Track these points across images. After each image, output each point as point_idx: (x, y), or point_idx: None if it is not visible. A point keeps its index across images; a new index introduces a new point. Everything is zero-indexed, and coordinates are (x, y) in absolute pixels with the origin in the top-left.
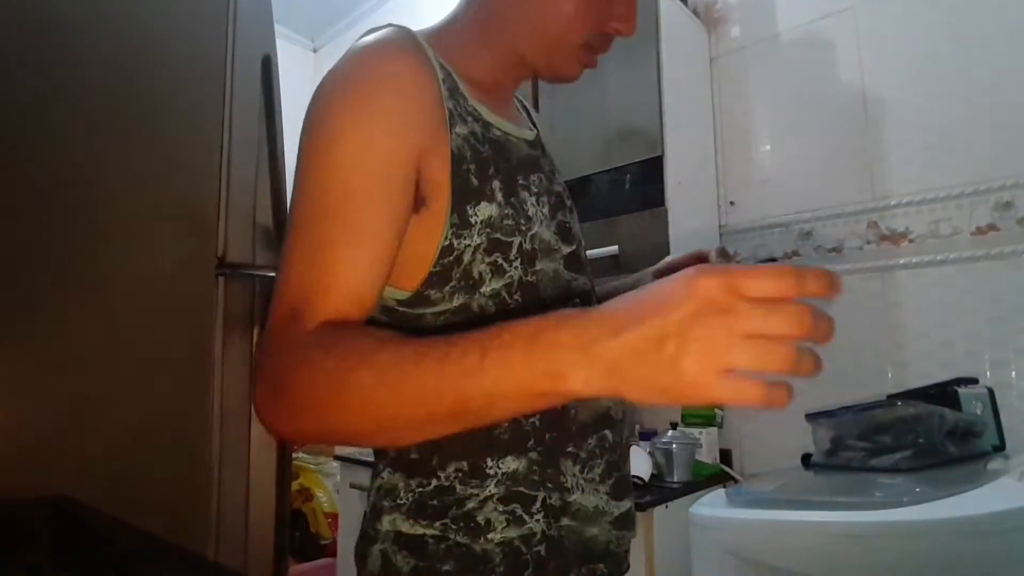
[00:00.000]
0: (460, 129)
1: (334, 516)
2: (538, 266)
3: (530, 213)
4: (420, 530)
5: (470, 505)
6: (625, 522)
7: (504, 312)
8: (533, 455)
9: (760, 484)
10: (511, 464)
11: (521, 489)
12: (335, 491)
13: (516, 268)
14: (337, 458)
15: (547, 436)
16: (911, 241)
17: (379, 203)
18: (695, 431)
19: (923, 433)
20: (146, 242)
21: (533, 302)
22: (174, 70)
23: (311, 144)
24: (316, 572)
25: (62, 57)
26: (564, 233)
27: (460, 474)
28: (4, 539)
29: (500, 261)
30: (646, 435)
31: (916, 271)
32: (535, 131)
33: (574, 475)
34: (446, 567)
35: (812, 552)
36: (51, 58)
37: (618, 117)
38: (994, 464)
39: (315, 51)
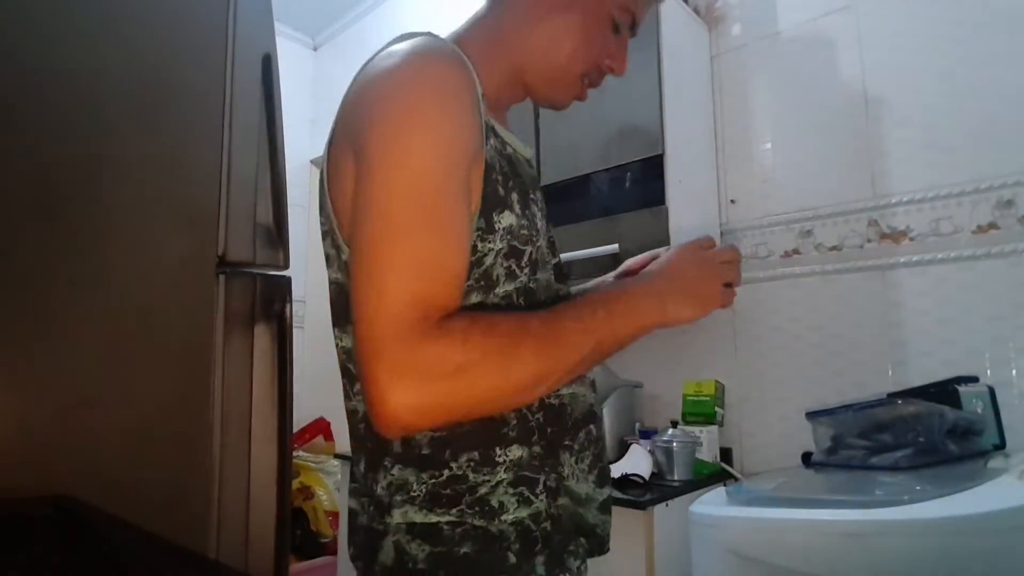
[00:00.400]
0: (491, 140)
1: (335, 514)
2: (539, 275)
3: (538, 226)
4: (435, 518)
5: (483, 491)
6: (607, 507)
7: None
8: (536, 448)
9: (760, 482)
10: (516, 452)
11: (526, 473)
12: (336, 489)
13: (525, 274)
14: (337, 456)
15: (548, 430)
16: (912, 239)
17: (462, 201)
18: (695, 430)
19: (923, 431)
20: (147, 241)
21: (532, 306)
22: (174, 68)
23: (390, 143)
24: (317, 570)
25: (62, 57)
26: (552, 246)
27: (472, 463)
28: (5, 537)
29: (514, 267)
30: (647, 433)
31: (917, 269)
32: (532, 150)
33: (570, 465)
34: (464, 550)
35: (812, 550)
36: (51, 57)
37: (618, 115)
38: (994, 462)
39: (315, 49)
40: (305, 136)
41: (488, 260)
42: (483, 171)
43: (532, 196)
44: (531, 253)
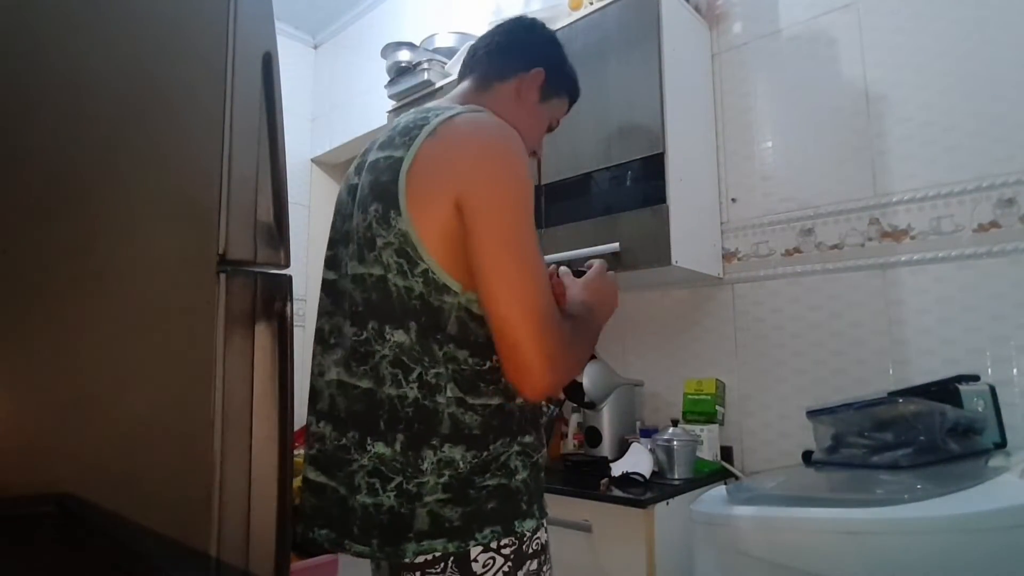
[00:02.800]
0: None
1: None
2: None
3: None
4: (468, 488)
5: (503, 459)
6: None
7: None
8: (535, 433)
9: (761, 481)
10: (527, 439)
11: (528, 450)
12: None
13: None
14: None
15: (541, 422)
16: (913, 238)
17: None
18: (696, 428)
19: (924, 430)
20: (147, 239)
21: None
22: (174, 67)
23: (521, 189)
24: (318, 568)
25: (61, 56)
26: None
27: (503, 444)
28: (6, 536)
29: None
30: (647, 432)
31: (918, 268)
32: None
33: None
34: (491, 505)
35: (813, 549)
36: (50, 57)
37: (619, 114)
38: (995, 461)
39: (316, 48)
40: (306, 134)
41: None
42: None
43: None
44: None
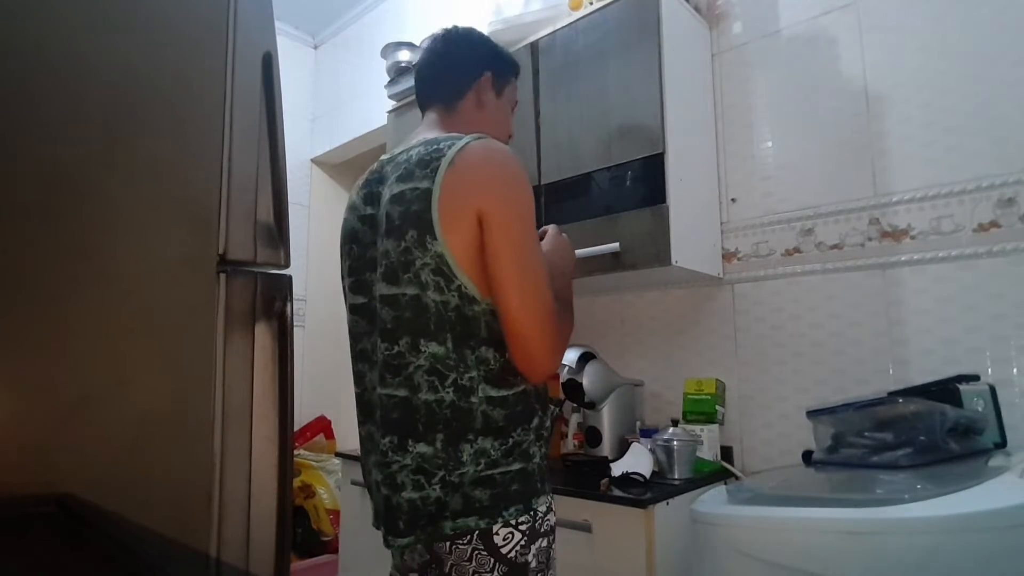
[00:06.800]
0: None
1: (336, 513)
2: None
3: None
4: (494, 472)
5: (524, 445)
6: None
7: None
8: (540, 414)
9: (761, 481)
10: (535, 421)
11: (541, 432)
12: (336, 488)
13: None
14: (338, 455)
15: (549, 405)
16: (913, 238)
17: None
18: (696, 428)
19: (924, 430)
20: (147, 239)
21: None
22: (174, 67)
23: (527, 203)
24: (318, 568)
25: (62, 56)
26: None
27: (523, 431)
28: (6, 536)
29: None
30: (647, 432)
31: (918, 268)
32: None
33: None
34: (514, 487)
35: (813, 549)
36: (50, 57)
37: (619, 114)
38: (995, 461)
39: (316, 47)
40: (306, 134)
41: None
42: None
43: None
44: None
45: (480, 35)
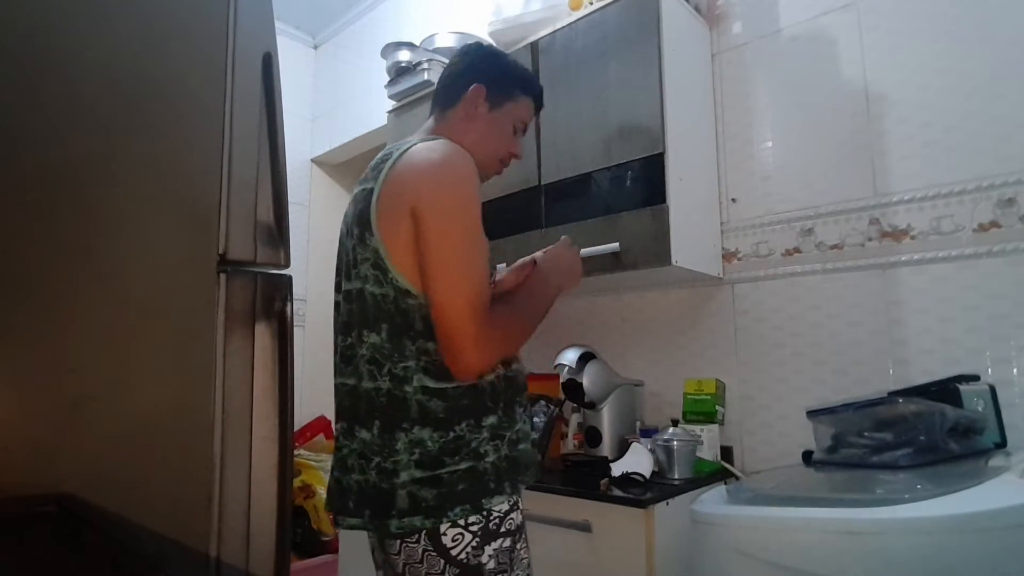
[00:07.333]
0: None
1: None
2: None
3: None
4: (441, 471)
5: (474, 444)
6: (533, 442)
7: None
8: (501, 412)
9: (761, 481)
10: (491, 419)
11: (498, 431)
12: None
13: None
14: None
15: (508, 394)
16: (913, 238)
17: (485, 238)
18: (696, 428)
19: (924, 430)
20: (147, 239)
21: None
22: (175, 67)
23: (458, 199)
24: (318, 568)
25: (63, 56)
26: None
27: (468, 426)
28: (6, 536)
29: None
30: (647, 432)
31: (918, 268)
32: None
33: (521, 417)
34: (461, 487)
35: (813, 549)
36: (51, 57)
37: (619, 114)
38: (995, 461)
39: (316, 47)
40: (306, 134)
41: None
42: None
43: None
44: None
45: (492, 51)
